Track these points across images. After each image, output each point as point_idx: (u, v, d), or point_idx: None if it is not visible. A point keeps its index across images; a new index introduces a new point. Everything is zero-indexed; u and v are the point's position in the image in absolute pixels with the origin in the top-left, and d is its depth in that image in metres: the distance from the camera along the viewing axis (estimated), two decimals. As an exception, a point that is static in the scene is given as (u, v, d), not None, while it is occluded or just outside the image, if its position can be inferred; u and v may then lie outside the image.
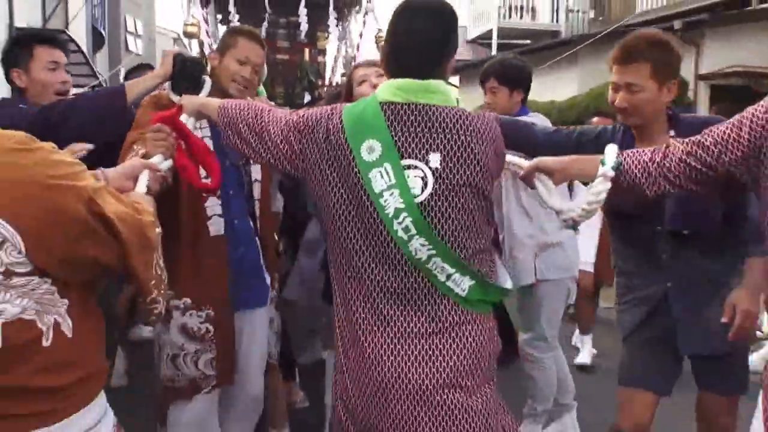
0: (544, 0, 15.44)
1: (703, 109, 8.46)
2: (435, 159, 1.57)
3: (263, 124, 1.67)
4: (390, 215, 1.55)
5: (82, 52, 7.60)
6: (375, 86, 2.02)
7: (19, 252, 1.07)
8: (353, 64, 3.75)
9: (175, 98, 2.04)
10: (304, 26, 4.19)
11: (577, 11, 14.49)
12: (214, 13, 4.55)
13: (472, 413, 1.62)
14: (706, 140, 1.65)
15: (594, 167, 1.74)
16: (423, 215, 1.55)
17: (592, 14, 13.84)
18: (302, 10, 4.27)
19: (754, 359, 4.01)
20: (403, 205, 1.54)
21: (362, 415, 1.67)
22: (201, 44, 4.38)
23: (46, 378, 1.12)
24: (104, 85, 6.96)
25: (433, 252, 1.56)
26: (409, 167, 1.57)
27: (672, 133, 2.06)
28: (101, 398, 1.25)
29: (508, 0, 15.28)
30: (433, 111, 1.58)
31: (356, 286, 1.63)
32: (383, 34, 2.00)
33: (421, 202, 1.56)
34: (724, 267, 2.09)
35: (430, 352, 1.61)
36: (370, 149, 1.57)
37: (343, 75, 4.61)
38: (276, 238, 2.94)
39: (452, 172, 1.57)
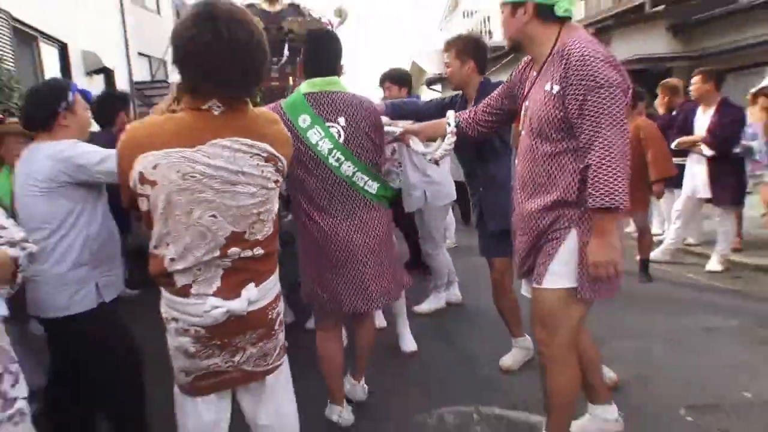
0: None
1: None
2: (342, 120, 2.42)
3: None
4: (325, 154, 2.39)
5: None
6: None
7: (284, 177, 1.73)
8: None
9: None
10: (284, 59, 5.84)
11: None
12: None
13: (384, 266, 2.53)
14: (494, 94, 2.51)
15: (441, 128, 2.61)
16: (345, 149, 2.39)
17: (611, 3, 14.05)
18: (285, 52, 5.95)
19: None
20: (332, 146, 2.38)
21: (327, 278, 2.49)
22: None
23: (275, 243, 1.75)
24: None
25: (355, 169, 2.42)
26: (329, 126, 2.39)
27: (475, 96, 3.10)
28: None
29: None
30: (336, 94, 2.43)
31: (312, 203, 2.45)
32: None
33: (341, 143, 2.40)
34: (506, 175, 3.07)
35: (357, 228, 2.46)
36: (303, 120, 2.40)
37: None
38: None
39: (353, 126, 2.42)
